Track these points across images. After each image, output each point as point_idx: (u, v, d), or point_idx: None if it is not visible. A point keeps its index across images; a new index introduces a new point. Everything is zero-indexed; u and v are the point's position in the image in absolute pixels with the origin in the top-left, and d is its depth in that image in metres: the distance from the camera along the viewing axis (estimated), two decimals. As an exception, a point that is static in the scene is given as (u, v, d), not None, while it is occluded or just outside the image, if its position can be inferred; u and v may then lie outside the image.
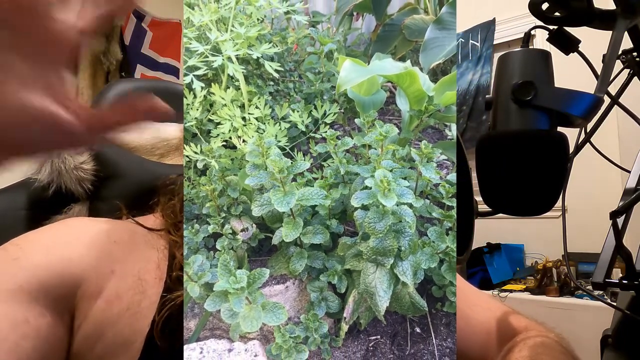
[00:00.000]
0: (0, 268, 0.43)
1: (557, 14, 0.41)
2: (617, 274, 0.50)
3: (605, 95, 0.39)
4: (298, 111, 0.79)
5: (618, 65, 0.51)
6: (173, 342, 0.44)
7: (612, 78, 0.42)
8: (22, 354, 0.38)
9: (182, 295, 0.46)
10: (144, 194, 0.60)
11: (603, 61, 0.38)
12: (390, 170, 0.56)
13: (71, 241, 0.47)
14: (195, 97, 0.77)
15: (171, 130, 0.75)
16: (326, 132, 0.71)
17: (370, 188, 0.54)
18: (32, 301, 0.41)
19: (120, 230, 0.51)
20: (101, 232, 0.49)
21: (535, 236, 2.35)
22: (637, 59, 0.51)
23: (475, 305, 0.61)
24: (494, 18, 2.61)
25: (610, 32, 0.39)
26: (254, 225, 0.67)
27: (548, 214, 0.38)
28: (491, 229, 2.30)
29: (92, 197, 0.64)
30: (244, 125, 0.73)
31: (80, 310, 0.44)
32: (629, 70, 0.53)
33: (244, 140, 0.73)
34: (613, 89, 0.48)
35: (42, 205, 0.63)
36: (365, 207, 0.56)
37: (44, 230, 0.49)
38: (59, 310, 0.43)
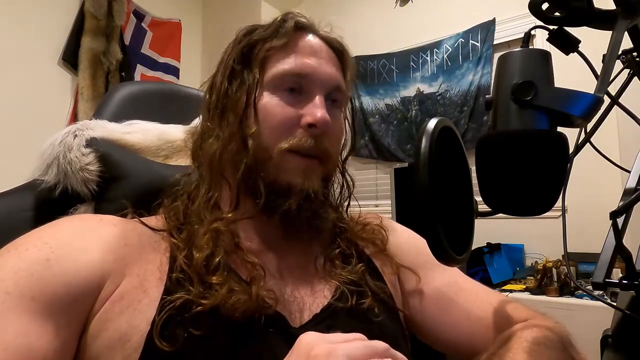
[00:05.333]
0: (35, 269, 0.43)
1: (557, 14, 0.41)
2: (617, 274, 0.50)
3: (605, 95, 0.39)
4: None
5: (618, 65, 0.51)
6: (172, 344, 0.44)
7: (612, 78, 0.42)
8: None
9: (182, 297, 0.46)
10: (149, 195, 0.60)
11: (603, 61, 0.38)
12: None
13: (92, 246, 0.47)
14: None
15: (176, 132, 0.75)
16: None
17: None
18: (50, 316, 0.42)
19: (130, 232, 0.51)
20: (116, 236, 0.50)
21: (535, 236, 2.35)
22: (637, 59, 0.50)
23: (476, 300, 0.61)
24: (494, 18, 2.61)
25: (610, 32, 0.39)
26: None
27: (548, 214, 0.38)
28: (491, 229, 2.30)
29: (97, 198, 0.65)
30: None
31: (93, 313, 0.45)
32: (629, 70, 0.53)
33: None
34: (613, 89, 0.48)
35: (49, 206, 0.64)
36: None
37: (64, 228, 0.49)
38: (76, 320, 0.44)
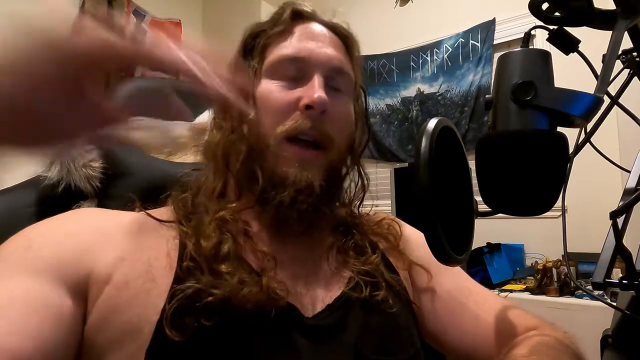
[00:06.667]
0: (13, 257, 0.44)
1: (557, 14, 0.41)
2: (617, 274, 0.50)
3: (605, 95, 0.39)
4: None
5: (618, 65, 0.51)
6: (183, 333, 0.43)
7: (612, 78, 0.42)
8: (43, 336, 0.39)
9: (193, 286, 0.46)
10: (152, 192, 0.60)
11: (603, 61, 0.38)
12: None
13: (79, 231, 0.48)
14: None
15: (180, 129, 0.75)
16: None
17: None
18: (52, 282, 0.43)
19: (128, 220, 0.51)
20: (108, 221, 0.50)
21: (535, 236, 2.35)
22: (637, 59, 0.50)
23: (485, 305, 0.61)
24: (494, 18, 2.61)
25: (610, 32, 0.39)
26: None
27: (548, 214, 0.38)
28: (491, 229, 2.30)
29: (100, 194, 0.65)
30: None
31: (92, 296, 0.45)
32: (629, 70, 0.53)
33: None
34: (613, 89, 0.48)
35: (52, 203, 0.64)
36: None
37: (53, 220, 0.50)
38: (75, 296, 0.44)
